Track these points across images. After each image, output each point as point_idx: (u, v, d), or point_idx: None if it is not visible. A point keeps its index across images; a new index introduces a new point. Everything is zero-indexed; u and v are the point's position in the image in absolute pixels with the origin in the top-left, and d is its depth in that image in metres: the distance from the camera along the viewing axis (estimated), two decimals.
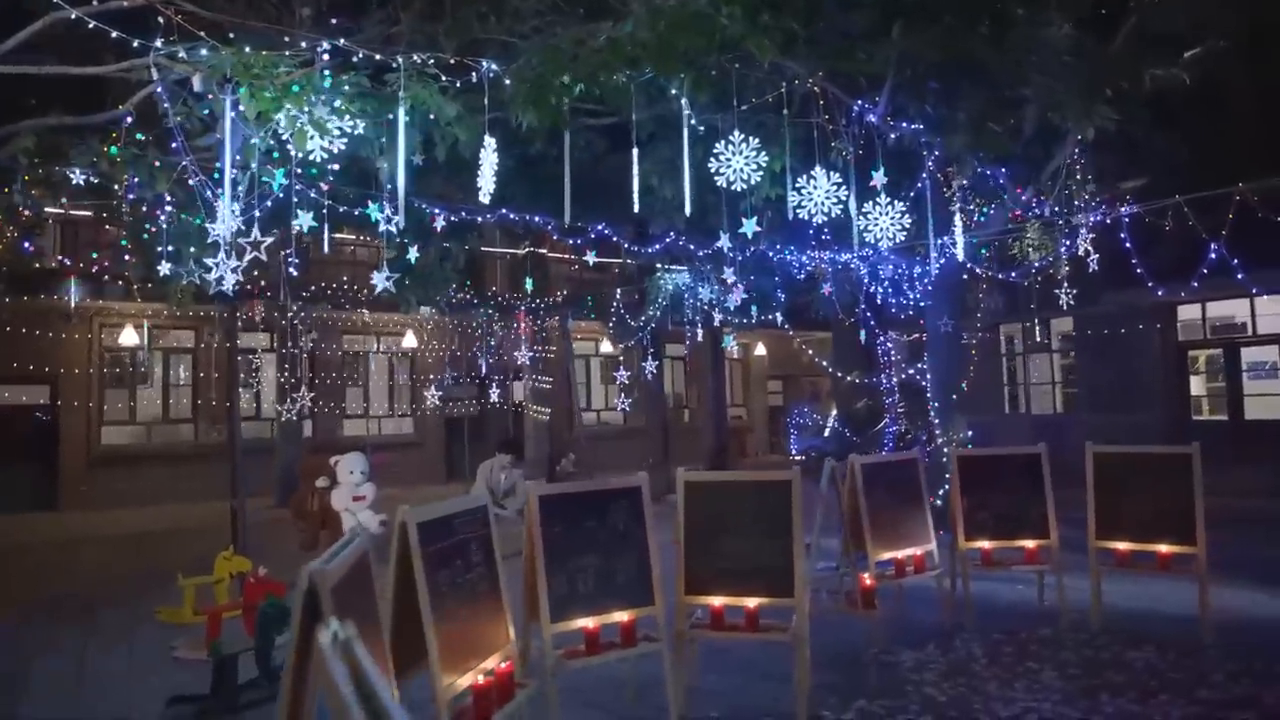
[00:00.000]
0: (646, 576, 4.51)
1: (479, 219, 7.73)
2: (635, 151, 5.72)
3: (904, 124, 7.14)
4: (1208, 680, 4.86)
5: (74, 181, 5.56)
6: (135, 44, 4.69)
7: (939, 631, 5.86)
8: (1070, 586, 5.97)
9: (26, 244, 6.13)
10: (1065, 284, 8.48)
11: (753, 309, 10.36)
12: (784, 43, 5.54)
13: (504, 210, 7.42)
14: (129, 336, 13.28)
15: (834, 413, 17.01)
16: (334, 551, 2.48)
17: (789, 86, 6.48)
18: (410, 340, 15.59)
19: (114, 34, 4.62)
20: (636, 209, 5.70)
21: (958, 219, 7.52)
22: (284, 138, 4.59)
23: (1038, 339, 15.31)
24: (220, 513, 10.30)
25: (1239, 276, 10.02)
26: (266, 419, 14.24)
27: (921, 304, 9.34)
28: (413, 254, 7.93)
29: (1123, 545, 5.86)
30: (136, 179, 5.60)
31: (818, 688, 4.84)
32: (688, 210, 5.91)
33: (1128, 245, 11.01)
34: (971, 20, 6.46)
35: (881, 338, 14.13)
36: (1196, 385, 14.04)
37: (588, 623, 4.29)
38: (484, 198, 5.32)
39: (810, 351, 14.06)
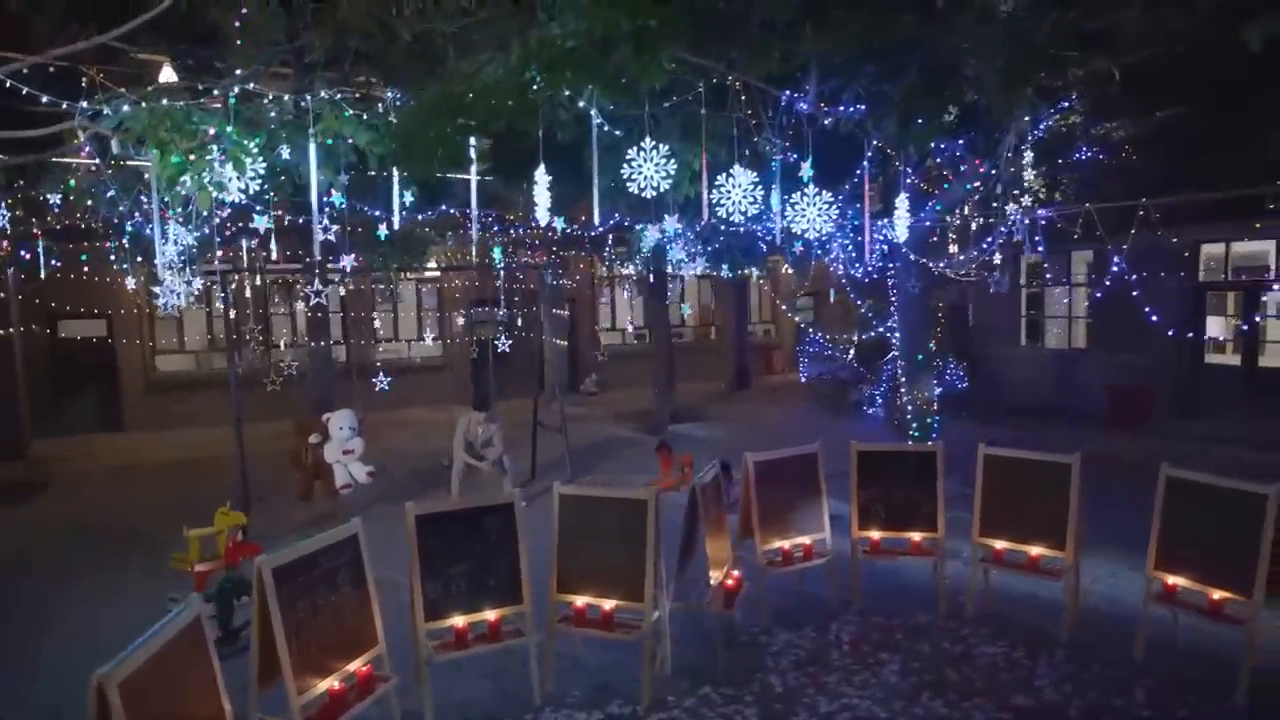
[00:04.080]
0: (516, 580, 5.22)
1: (419, 216, 8.16)
2: (542, 168, 6.01)
3: (838, 109, 7.13)
4: (1033, 683, 5.33)
5: (50, 203, 6.30)
6: (64, 105, 5.23)
7: (824, 614, 6.42)
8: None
9: (24, 253, 6.97)
10: (1036, 236, 8.42)
11: (724, 266, 10.55)
12: (673, 68, 5.66)
13: (446, 206, 7.80)
14: None
15: (855, 338, 17.11)
16: (142, 640, 3.20)
17: (709, 83, 6.55)
18: (433, 268, 16.34)
19: (44, 99, 5.16)
20: (545, 221, 6.05)
21: (901, 199, 7.53)
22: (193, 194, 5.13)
23: (1056, 272, 14.90)
24: (263, 435, 11.57)
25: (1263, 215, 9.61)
26: (303, 346, 15.41)
27: (889, 267, 9.39)
28: (382, 231, 8.46)
29: (1000, 543, 6.23)
30: (104, 195, 6.29)
31: (678, 671, 5.54)
32: (596, 219, 6.21)
33: (1149, 178, 10.60)
34: (898, 6, 6.34)
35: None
36: (1215, 328, 13.56)
37: (458, 621, 5.06)
38: (395, 223, 5.78)
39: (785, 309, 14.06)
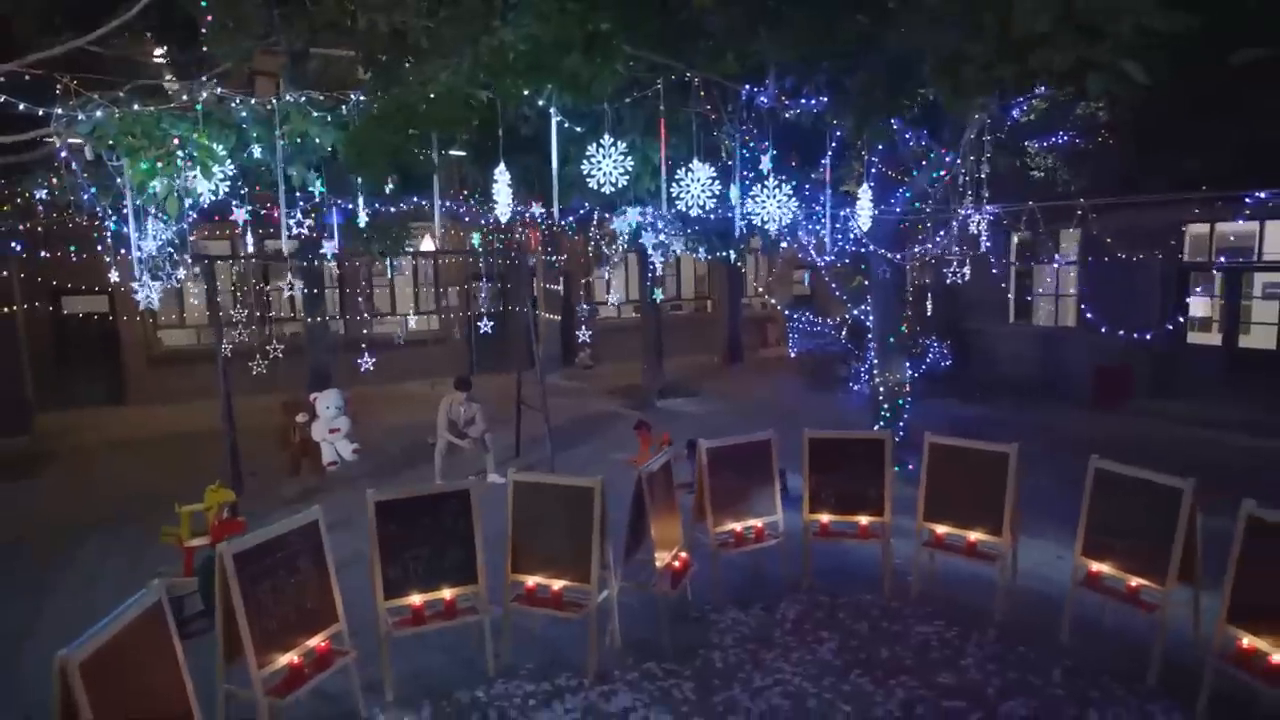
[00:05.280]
0: (471, 561, 5.57)
1: (391, 209, 8.40)
2: (502, 165, 6.23)
3: (800, 101, 7.27)
4: (959, 662, 5.64)
5: (35, 198, 6.60)
6: (40, 112, 5.49)
7: (774, 594, 6.73)
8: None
9: (15, 245, 7.27)
10: (982, 233, 8.59)
11: (701, 250, 10.74)
12: (632, 66, 5.83)
13: (416, 198, 8.03)
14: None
15: (846, 315, 17.28)
16: (105, 622, 3.54)
17: (668, 80, 6.70)
18: (428, 244, 16.56)
19: (21, 106, 5.42)
20: (505, 218, 6.28)
21: (864, 189, 7.70)
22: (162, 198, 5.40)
23: (1045, 250, 14.96)
24: (259, 409, 11.94)
25: (1248, 199, 9.72)
26: (297, 322, 15.75)
27: (861, 250, 9.56)
28: (362, 218, 8.71)
29: (942, 528, 6.52)
30: (84, 196, 6.57)
31: (628, 646, 5.90)
32: (555, 212, 6.44)
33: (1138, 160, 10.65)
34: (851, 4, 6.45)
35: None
36: (1200, 308, 13.64)
37: (415, 600, 5.42)
38: (360, 222, 6.03)
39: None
